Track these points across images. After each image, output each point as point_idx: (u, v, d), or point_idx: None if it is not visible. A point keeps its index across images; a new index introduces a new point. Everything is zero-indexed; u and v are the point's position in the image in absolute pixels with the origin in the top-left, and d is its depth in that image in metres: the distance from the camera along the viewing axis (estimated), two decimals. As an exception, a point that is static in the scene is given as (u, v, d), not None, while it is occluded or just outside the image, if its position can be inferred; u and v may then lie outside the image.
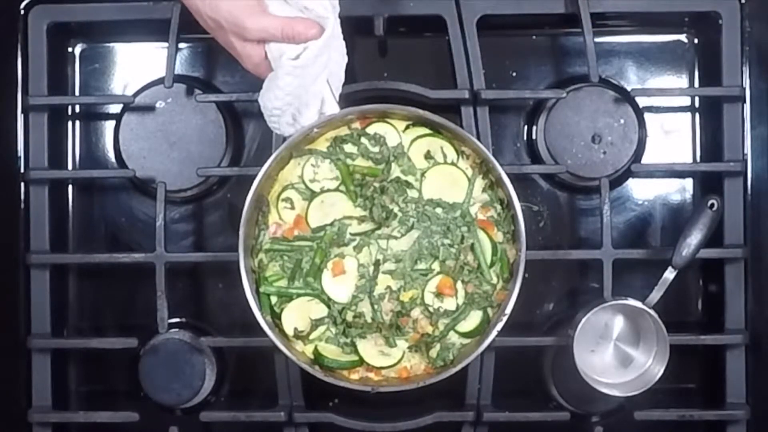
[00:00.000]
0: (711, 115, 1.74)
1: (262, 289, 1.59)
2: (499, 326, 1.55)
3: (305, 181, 1.61)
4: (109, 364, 1.76)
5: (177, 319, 1.74)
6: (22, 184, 1.72)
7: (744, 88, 1.70)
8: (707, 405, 1.73)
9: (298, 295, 1.59)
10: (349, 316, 1.59)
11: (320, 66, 1.47)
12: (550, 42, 1.78)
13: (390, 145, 1.60)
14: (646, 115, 1.74)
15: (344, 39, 1.53)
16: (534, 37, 1.78)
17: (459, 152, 1.61)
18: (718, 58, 1.71)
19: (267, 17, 1.43)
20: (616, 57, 1.77)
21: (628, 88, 1.74)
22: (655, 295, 1.62)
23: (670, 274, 1.61)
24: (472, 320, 1.60)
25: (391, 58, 1.78)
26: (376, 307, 1.59)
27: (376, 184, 1.59)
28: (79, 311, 1.78)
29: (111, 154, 1.79)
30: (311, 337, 1.60)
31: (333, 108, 1.53)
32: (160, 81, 1.72)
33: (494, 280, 1.59)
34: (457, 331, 1.60)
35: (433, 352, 1.60)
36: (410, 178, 1.60)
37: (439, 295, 1.59)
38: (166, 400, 1.68)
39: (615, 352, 1.65)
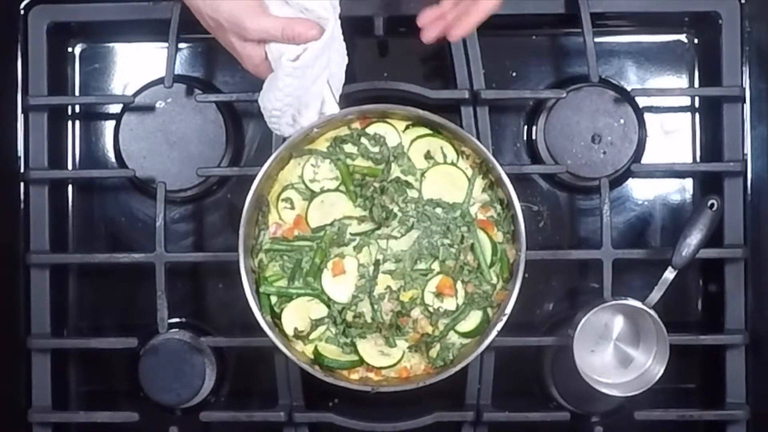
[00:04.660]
0: (711, 115, 1.74)
1: (262, 289, 1.59)
2: (499, 326, 1.55)
3: (305, 181, 1.61)
4: (109, 364, 1.76)
5: (177, 319, 1.74)
6: (22, 184, 1.72)
7: (744, 88, 1.70)
8: (707, 405, 1.73)
9: (298, 295, 1.59)
10: (349, 316, 1.59)
11: (320, 67, 1.47)
12: (550, 42, 1.78)
13: (390, 145, 1.60)
14: (646, 115, 1.74)
15: (344, 39, 1.53)
16: (534, 37, 1.78)
17: (459, 152, 1.61)
18: (718, 58, 1.71)
19: (267, 18, 1.43)
20: (616, 57, 1.77)
21: (628, 88, 1.74)
22: (655, 295, 1.62)
23: (670, 274, 1.62)
24: (472, 320, 1.60)
25: (391, 58, 1.78)
26: (376, 307, 1.59)
27: (376, 184, 1.59)
28: (79, 311, 1.78)
29: (111, 154, 1.79)
30: (311, 337, 1.60)
31: (333, 108, 1.53)
32: (160, 81, 1.72)
33: (494, 280, 1.59)
34: (457, 331, 1.60)
35: (433, 352, 1.60)
36: (410, 178, 1.60)
37: (439, 295, 1.59)
38: (166, 400, 1.68)
39: (615, 352, 1.65)
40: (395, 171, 1.61)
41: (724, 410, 1.69)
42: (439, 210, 1.60)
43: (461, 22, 1.52)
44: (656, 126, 1.77)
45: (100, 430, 1.73)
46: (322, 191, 1.60)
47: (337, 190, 1.60)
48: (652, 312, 1.61)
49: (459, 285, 1.59)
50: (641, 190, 1.78)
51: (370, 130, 1.61)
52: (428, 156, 1.61)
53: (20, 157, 1.73)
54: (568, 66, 1.77)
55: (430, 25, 1.55)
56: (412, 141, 1.61)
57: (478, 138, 1.68)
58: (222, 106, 1.74)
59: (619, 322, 1.66)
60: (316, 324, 1.59)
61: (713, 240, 1.64)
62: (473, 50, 1.70)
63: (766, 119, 1.71)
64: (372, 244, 1.59)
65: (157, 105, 1.74)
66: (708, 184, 1.75)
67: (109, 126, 1.79)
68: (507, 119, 1.77)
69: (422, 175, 1.61)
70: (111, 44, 1.79)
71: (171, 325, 1.70)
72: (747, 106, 1.71)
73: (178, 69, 1.76)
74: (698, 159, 1.77)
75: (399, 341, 1.60)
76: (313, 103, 1.52)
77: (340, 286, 1.59)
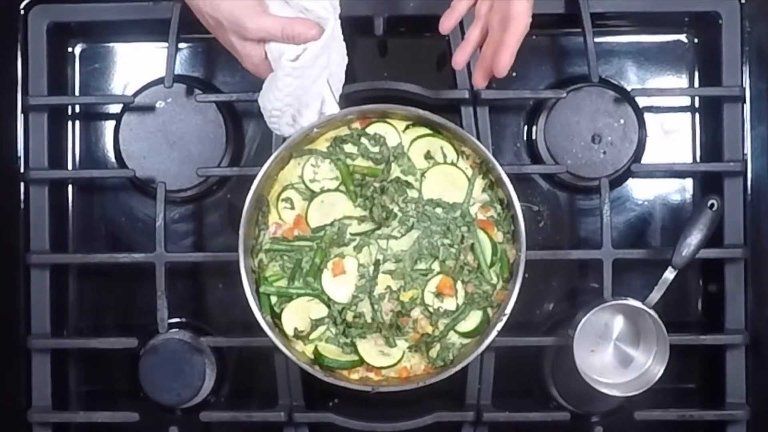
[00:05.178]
0: (711, 115, 1.74)
1: (262, 289, 1.59)
2: (499, 326, 1.55)
3: (305, 181, 1.61)
4: (109, 364, 1.76)
5: (177, 319, 1.74)
6: (22, 184, 1.72)
7: (744, 88, 1.70)
8: (707, 405, 1.73)
9: (298, 295, 1.59)
10: (349, 316, 1.59)
11: (320, 67, 1.47)
12: (550, 42, 1.78)
13: (390, 145, 1.61)
14: (646, 115, 1.74)
15: (344, 39, 1.53)
16: (534, 37, 1.77)
17: (459, 152, 1.61)
18: (718, 58, 1.71)
19: (267, 17, 1.43)
20: (616, 57, 1.77)
21: (628, 88, 1.75)
22: (655, 295, 1.62)
23: (670, 274, 1.62)
24: (472, 320, 1.60)
25: (391, 58, 1.78)
26: (376, 307, 1.59)
27: (376, 184, 1.59)
28: (79, 311, 1.78)
29: (111, 154, 1.79)
30: (311, 337, 1.60)
31: (333, 108, 1.53)
32: (160, 81, 1.72)
33: (494, 280, 1.59)
34: (457, 331, 1.60)
35: (433, 352, 1.60)
36: (410, 178, 1.60)
37: (439, 295, 1.59)
38: (166, 400, 1.68)
39: (615, 352, 1.65)
40: (395, 171, 1.61)
41: (724, 410, 1.69)
42: (439, 210, 1.60)
43: (500, 56, 1.46)
44: (656, 126, 1.77)
45: (100, 430, 1.73)
46: (322, 191, 1.60)
47: (337, 190, 1.60)
48: (652, 312, 1.61)
49: (459, 285, 1.59)
50: (641, 190, 1.78)
51: (370, 130, 1.61)
52: (428, 156, 1.61)
53: (20, 157, 1.73)
54: (568, 66, 1.77)
55: (476, 72, 1.52)
56: (412, 141, 1.61)
57: (478, 138, 1.68)
58: (222, 106, 1.74)
59: (619, 322, 1.66)
60: (316, 324, 1.59)
61: (713, 240, 1.64)
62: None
63: (766, 119, 1.71)
64: (372, 244, 1.60)
65: (157, 105, 1.74)
66: (708, 184, 1.74)
67: (109, 126, 1.79)
68: (507, 119, 1.77)
69: (422, 175, 1.61)
70: (111, 44, 1.79)
71: (171, 325, 1.70)
72: (747, 106, 1.71)
73: (178, 69, 1.76)
74: (698, 159, 1.77)
75: (399, 341, 1.60)
76: (313, 103, 1.52)
77: (340, 286, 1.59)
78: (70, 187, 1.79)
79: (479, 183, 1.61)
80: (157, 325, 1.68)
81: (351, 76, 1.59)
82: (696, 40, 1.77)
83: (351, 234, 1.60)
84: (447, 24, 1.54)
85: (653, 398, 1.67)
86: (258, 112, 1.53)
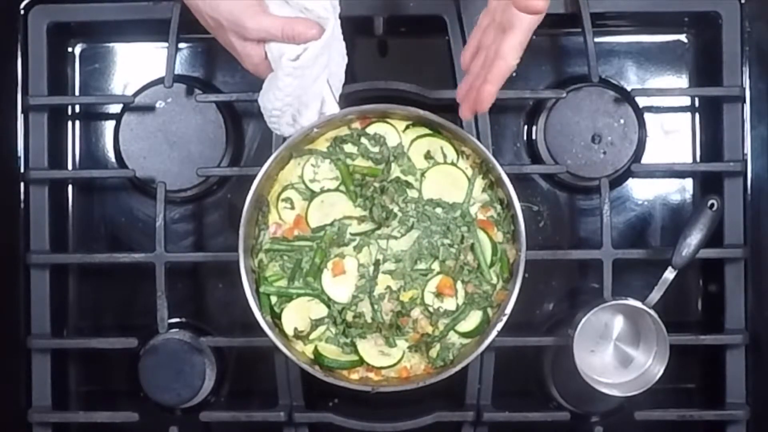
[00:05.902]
0: (711, 115, 1.74)
1: (262, 289, 1.59)
2: (499, 326, 1.55)
3: (305, 181, 1.61)
4: (109, 364, 1.76)
5: (177, 319, 1.74)
6: (22, 184, 1.72)
7: (744, 88, 1.70)
8: (707, 405, 1.73)
9: (298, 295, 1.59)
10: (349, 316, 1.59)
11: (320, 67, 1.47)
12: (550, 42, 1.78)
13: (390, 145, 1.60)
14: (646, 115, 1.74)
15: (344, 39, 1.53)
16: (534, 37, 1.76)
17: (459, 152, 1.61)
18: (718, 58, 1.71)
19: (267, 17, 1.43)
20: (616, 57, 1.77)
21: (628, 88, 1.75)
22: (655, 295, 1.62)
23: (670, 274, 1.62)
24: (472, 320, 1.60)
25: (391, 58, 1.78)
26: (376, 307, 1.59)
27: (376, 184, 1.59)
28: (79, 311, 1.78)
29: (111, 154, 1.79)
30: (311, 337, 1.60)
31: (333, 108, 1.53)
32: (160, 81, 1.72)
33: (494, 280, 1.59)
34: (457, 331, 1.60)
35: (433, 352, 1.60)
36: (410, 178, 1.60)
37: (439, 295, 1.59)
38: (166, 400, 1.68)
39: (615, 352, 1.65)
40: (395, 171, 1.61)
41: (724, 410, 1.69)
42: (439, 210, 1.60)
43: (481, 90, 1.42)
44: (656, 126, 1.77)
45: (100, 430, 1.73)
46: (322, 191, 1.60)
47: (337, 190, 1.60)
48: (652, 312, 1.61)
49: (459, 285, 1.59)
50: (641, 190, 1.78)
51: (370, 130, 1.61)
52: (428, 156, 1.61)
53: (20, 157, 1.73)
54: (568, 66, 1.77)
55: (462, 103, 1.48)
56: (412, 141, 1.61)
57: (478, 138, 1.68)
58: (222, 106, 1.74)
59: (619, 322, 1.66)
60: (316, 324, 1.59)
61: (713, 240, 1.64)
62: (473, 50, 1.70)
63: (766, 119, 1.71)
64: (372, 244, 1.60)
65: (157, 105, 1.74)
66: (708, 184, 1.75)
67: (109, 126, 1.79)
68: (507, 119, 1.77)
69: (422, 175, 1.61)
70: (111, 44, 1.80)
71: (171, 325, 1.70)
72: (747, 106, 1.71)
73: (178, 69, 1.76)
74: (698, 159, 1.77)
75: (399, 341, 1.60)
76: (313, 103, 1.52)
77: (340, 286, 1.59)
78: (70, 187, 1.79)
79: (479, 183, 1.61)
80: (157, 325, 1.68)
81: (351, 76, 1.59)
82: (696, 40, 1.77)
83: (351, 234, 1.60)
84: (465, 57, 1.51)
85: (653, 398, 1.67)
86: (258, 112, 1.53)
